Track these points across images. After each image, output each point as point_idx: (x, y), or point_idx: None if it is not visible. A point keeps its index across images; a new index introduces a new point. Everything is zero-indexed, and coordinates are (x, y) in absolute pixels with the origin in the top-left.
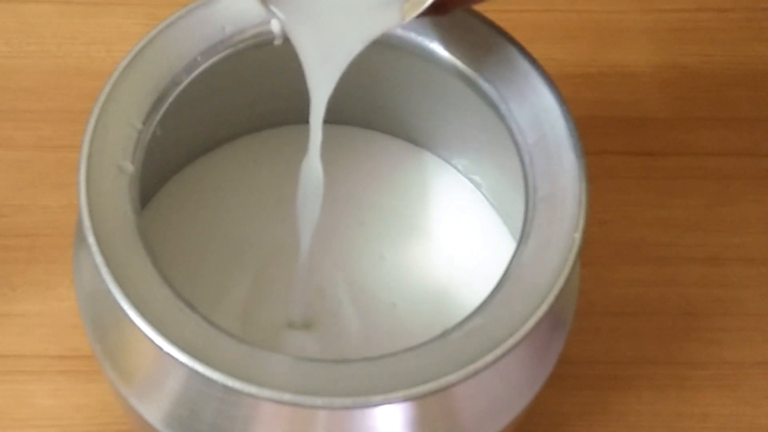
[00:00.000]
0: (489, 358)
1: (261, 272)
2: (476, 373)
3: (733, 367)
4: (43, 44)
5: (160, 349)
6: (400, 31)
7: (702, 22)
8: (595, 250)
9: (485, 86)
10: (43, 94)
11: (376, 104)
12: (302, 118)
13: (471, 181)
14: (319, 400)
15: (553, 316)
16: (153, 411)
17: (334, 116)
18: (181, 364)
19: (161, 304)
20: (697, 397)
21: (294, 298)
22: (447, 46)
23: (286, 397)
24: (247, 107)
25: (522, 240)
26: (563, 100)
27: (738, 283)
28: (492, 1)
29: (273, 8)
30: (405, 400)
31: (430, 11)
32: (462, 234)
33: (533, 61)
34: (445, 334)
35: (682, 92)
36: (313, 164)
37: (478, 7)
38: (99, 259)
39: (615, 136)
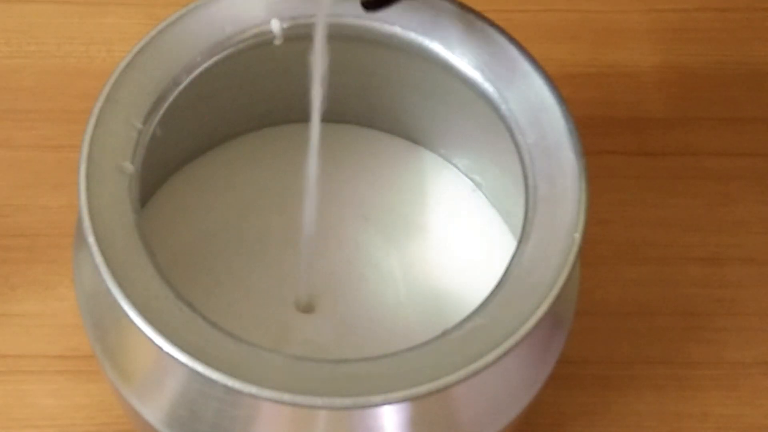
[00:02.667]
0: (489, 358)
1: (261, 271)
2: (476, 373)
3: (733, 367)
4: (43, 44)
5: (160, 349)
6: (399, 31)
7: (702, 22)
8: (595, 250)
9: (485, 86)
10: (43, 94)
11: (377, 104)
12: (302, 117)
13: (471, 180)
14: (319, 400)
15: (553, 316)
16: (153, 411)
17: (335, 115)
18: (181, 364)
19: (161, 304)
20: (697, 397)
21: (296, 296)
22: (447, 46)
23: (286, 397)
24: (247, 107)
25: (522, 240)
26: (563, 100)
27: (738, 283)
28: None
29: None
30: (405, 400)
31: None
32: (462, 233)
33: (533, 61)
34: (445, 334)
35: (682, 92)
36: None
37: (478, 7)
38: (99, 259)
39: (615, 136)
